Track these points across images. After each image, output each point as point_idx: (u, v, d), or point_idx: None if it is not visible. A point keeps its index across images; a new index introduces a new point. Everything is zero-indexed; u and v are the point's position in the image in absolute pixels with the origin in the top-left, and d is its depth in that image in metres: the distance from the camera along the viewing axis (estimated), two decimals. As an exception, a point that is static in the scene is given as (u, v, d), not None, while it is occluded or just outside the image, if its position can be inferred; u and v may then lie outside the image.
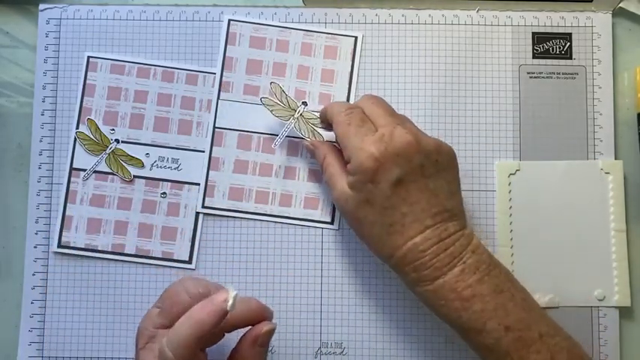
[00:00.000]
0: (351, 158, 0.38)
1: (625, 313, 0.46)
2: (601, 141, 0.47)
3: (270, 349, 0.44)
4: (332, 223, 0.46)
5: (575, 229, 0.46)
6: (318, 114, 0.45)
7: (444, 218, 0.38)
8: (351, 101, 0.47)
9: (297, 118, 0.45)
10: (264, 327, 0.36)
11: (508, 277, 0.39)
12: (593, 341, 0.45)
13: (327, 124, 0.44)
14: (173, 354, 0.32)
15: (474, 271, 0.37)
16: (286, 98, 0.45)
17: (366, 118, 0.40)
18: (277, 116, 0.45)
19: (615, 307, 0.45)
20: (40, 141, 0.47)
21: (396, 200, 0.37)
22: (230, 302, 0.33)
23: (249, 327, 0.37)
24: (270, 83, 0.45)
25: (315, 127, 0.45)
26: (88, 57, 0.48)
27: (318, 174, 0.46)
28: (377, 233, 0.38)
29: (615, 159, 0.47)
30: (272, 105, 0.45)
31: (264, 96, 0.45)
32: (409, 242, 0.37)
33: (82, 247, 0.46)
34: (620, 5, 0.47)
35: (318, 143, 0.44)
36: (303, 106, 0.46)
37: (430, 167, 0.38)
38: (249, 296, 0.39)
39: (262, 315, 0.37)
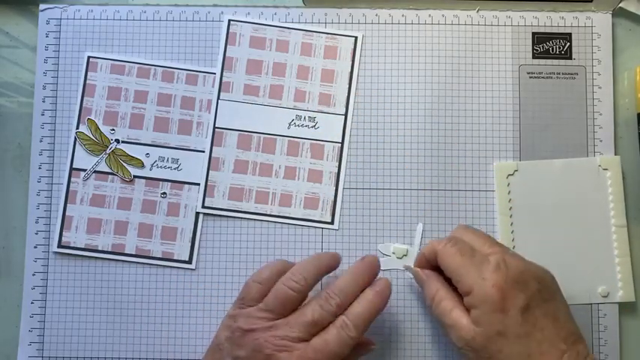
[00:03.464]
0: (473, 289, 0.37)
1: (630, 308, 0.46)
2: (601, 141, 0.47)
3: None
4: (332, 223, 0.46)
5: (576, 226, 0.46)
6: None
7: (572, 341, 0.37)
8: (351, 101, 0.47)
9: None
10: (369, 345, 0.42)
11: None
12: (593, 341, 0.45)
13: (429, 265, 0.42)
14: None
15: None
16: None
17: (473, 247, 0.39)
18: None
19: (620, 302, 0.45)
20: (40, 141, 0.47)
21: (528, 327, 0.36)
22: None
23: None
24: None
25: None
26: (88, 57, 0.48)
27: (318, 174, 0.46)
28: None
29: (615, 159, 0.47)
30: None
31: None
32: None
33: (82, 247, 0.46)
34: (620, 5, 0.47)
35: (430, 274, 0.42)
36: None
37: (545, 292, 0.37)
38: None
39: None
